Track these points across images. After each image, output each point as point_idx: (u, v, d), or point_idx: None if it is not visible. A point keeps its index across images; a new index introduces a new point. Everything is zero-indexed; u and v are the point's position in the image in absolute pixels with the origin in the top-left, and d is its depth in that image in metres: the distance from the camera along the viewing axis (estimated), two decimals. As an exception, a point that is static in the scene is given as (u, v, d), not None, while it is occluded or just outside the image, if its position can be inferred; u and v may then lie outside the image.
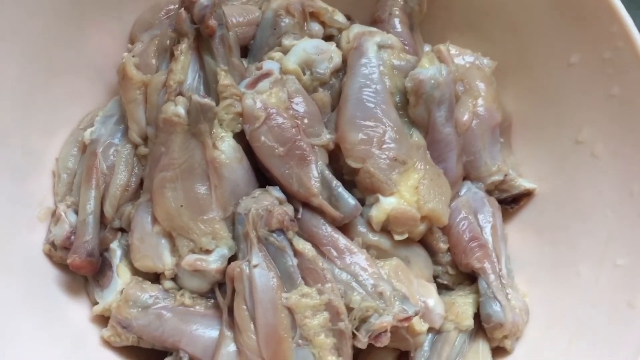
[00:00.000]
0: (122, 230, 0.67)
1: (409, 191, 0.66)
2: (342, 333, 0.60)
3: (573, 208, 0.72)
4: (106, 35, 0.74)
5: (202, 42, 0.66)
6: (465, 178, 0.74)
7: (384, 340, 0.59)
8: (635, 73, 0.67)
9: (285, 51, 0.72)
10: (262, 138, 0.65)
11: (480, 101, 0.75)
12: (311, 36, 0.74)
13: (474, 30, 0.80)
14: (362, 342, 0.60)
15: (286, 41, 0.73)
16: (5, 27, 0.64)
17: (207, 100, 0.62)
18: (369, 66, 0.70)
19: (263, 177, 0.68)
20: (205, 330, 0.62)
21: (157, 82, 0.66)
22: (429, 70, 0.68)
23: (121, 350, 0.64)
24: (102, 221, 0.66)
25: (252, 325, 0.60)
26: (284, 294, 0.60)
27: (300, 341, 0.59)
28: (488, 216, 0.71)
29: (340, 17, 0.77)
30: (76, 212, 0.66)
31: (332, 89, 0.72)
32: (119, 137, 0.69)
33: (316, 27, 0.75)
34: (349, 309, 0.61)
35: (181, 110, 0.63)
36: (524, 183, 0.75)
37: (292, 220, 0.62)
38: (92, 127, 0.69)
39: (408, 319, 0.60)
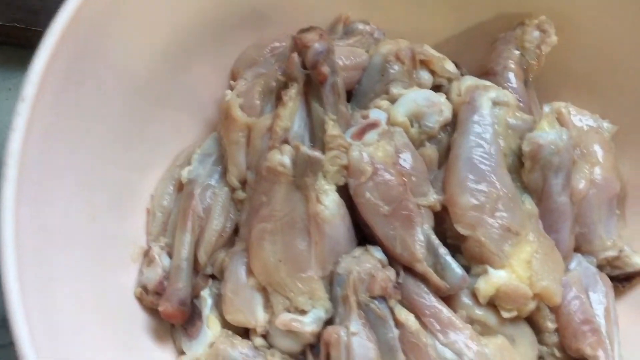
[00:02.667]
0: (213, 277, 0.65)
1: (521, 265, 0.61)
2: (444, 418, 0.56)
3: (695, 292, 0.66)
4: (208, 69, 0.72)
5: (312, 88, 0.63)
6: (576, 251, 0.69)
7: None
8: None
9: (393, 100, 0.68)
10: (367, 194, 0.61)
11: (597, 169, 0.70)
12: (420, 85, 0.70)
13: (591, 89, 0.75)
14: None
15: (395, 89, 0.69)
16: (112, 63, 0.62)
17: (317, 154, 0.59)
18: (482, 124, 0.65)
19: (359, 231, 0.64)
20: (296, 394, 0.59)
21: (262, 126, 0.64)
22: (549, 134, 0.64)
23: (205, 406, 0.61)
24: (195, 267, 0.64)
25: (346, 398, 0.56)
26: (382, 368, 0.56)
27: (398, 422, 0.55)
28: (601, 296, 0.66)
29: (450, 67, 0.73)
30: (170, 255, 0.64)
31: (440, 144, 0.68)
32: (217, 178, 0.66)
33: (426, 75, 0.71)
34: (452, 391, 0.57)
35: (287, 160, 0.60)
36: (639, 260, 0.69)
37: (396, 287, 0.59)
38: (190, 166, 0.67)
39: (515, 408, 0.55)
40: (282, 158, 0.60)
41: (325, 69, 0.62)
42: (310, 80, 0.63)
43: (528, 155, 0.64)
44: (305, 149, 0.59)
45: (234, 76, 0.73)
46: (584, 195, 0.68)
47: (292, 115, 0.63)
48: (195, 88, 0.72)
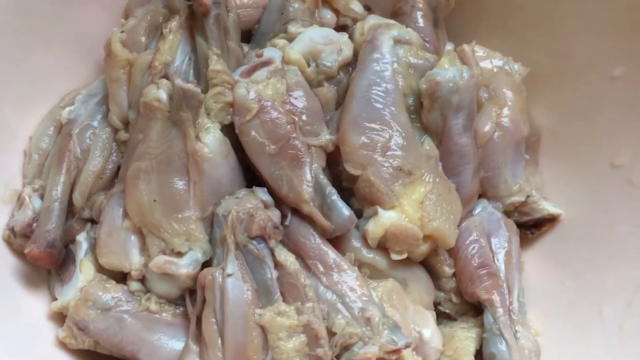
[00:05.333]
0: (92, 221, 0.61)
1: (413, 206, 0.58)
2: (319, 360, 0.53)
3: (602, 240, 0.63)
4: (100, 8, 0.68)
5: (196, 21, 0.60)
6: (482, 196, 0.66)
7: (367, 374, 0.52)
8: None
9: (291, 39, 0.65)
10: (253, 133, 0.58)
11: (505, 111, 0.67)
12: (321, 24, 0.67)
13: (507, 31, 0.72)
14: (342, 373, 0.53)
15: (293, 28, 0.65)
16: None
17: (191, 86, 0.56)
18: (381, 62, 0.62)
19: (253, 178, 0.61)
20: (169, 342, 0.56)
21: (142, 61, 0.60)
22: (447, 71, 0.60)
23: (76, 353, 0.58)
24: (71, 210, 0.60)
25: (219, 341, 0.53)
26: (257, 310, 0.53)
27: (270, 365, 0.52)
28: (503, 241, 0.63)
29: (356, 6, 0.70)
30: (42, 197, 0.60)
31: (339, 85, 0.64)
32: (99, 119, 0.63)
33: (328, 14, 0.69)
34: (331, 334, 0.54)
35: (163, 94, 0.56)
36: (548, 207, 0.67)
37: (276, 227, 0.55)
38: (72, 106, 0.63)
39: (397, 351, 0.52)
40: (158, 92, 0.57)
41: (207, -1, 0.58)
42: (193, 13, 0.60)
43: (426, 93, 0.61)
44: (180, 81, 0.56)
45: (126, 15, 0.68)
46: (489, 137, 0.66)
47: (173, 49, 0.60)
48: (83, 27, 0.68)
